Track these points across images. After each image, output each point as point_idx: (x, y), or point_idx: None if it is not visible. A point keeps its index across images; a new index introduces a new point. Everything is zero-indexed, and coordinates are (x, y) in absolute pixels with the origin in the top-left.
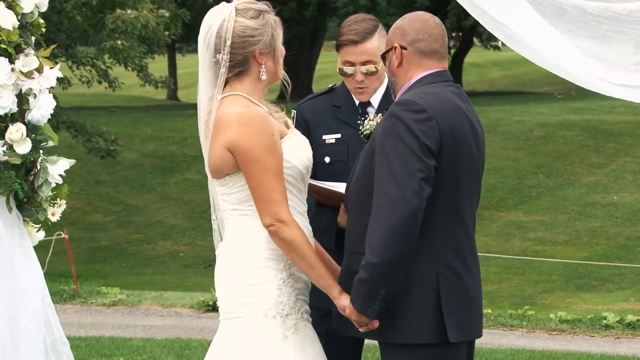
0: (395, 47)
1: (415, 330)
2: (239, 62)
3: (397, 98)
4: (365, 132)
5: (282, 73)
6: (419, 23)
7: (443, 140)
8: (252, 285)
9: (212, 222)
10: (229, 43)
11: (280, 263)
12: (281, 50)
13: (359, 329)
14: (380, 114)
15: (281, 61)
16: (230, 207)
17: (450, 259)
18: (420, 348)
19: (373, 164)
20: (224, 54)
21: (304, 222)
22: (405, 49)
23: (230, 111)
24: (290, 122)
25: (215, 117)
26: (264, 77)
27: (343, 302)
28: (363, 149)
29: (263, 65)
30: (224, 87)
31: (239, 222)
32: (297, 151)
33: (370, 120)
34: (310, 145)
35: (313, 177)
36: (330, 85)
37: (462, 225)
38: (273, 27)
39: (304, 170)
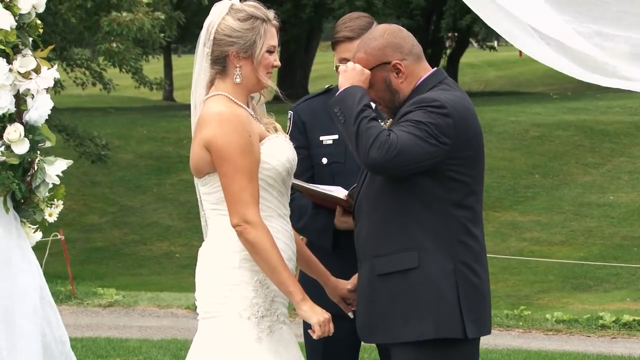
0: (396, 64)
1: (435, 326)
2: (217, 60)
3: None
4: None
5: (265, 82)
6: (401, 32)
7: (459, 135)
8: (228, 286)
9: (201, 217)
10: (211, 38)
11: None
12: (264, 60)
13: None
14: (390, 120)
15: (262, 70)
16: (211, 206)
17: (467, 256)
18: (438, 343)
19: None
20: (206, 47)
21: (284, 225)
22: (405, 59)
23: (212, 110)
24: (279, 127)
25: (199, 116)
26: (237, 81)
27: (304, 312)
28: None
29: (238, 69)
30: (212, 86)
31: (218, 222)
32: (276, 152)
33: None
34: (293, 148)
35: (310, 178)
36: (326, 86)
37: (478, 222)
38: (259, 34)
39: (284, 172)
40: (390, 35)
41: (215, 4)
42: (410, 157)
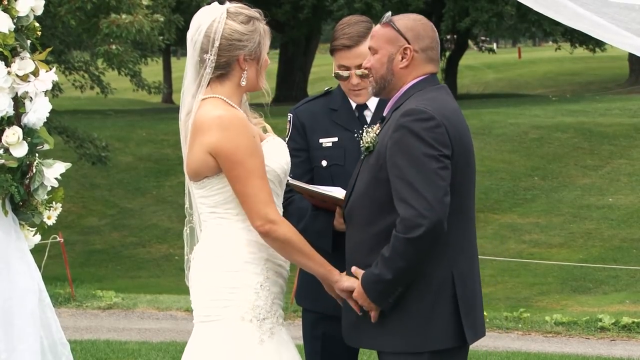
0: (408, 49)
1: (437, 336)
2: (222, 65)
3: (393, 102)
4: (366, 145)
5: (263, 83)
6: (431, 30)
7: (453, 144)
8: (230, 289)
9: (186, 224)
10: (217, 44)
11: (258, 267)
12: (265, 61)
13: (358, 312)
14: (377, 125)
15: (264, 71)
16: (208, 210)
17: (462, 262)
18: (436, 354)
19: (381, 176)
20: (210, 54)
21: None
22: (417, 52)
23: (210, 114)
24: (269, 127)
25: (194, 119)
26: (243, 84)
27: (345, 284)
28: (365, 161)
29: (245, 72)
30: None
31: (217, 225)
32: (275, 155)
33: (368, 132)
34: (288, 150)
35: (310, 180)
36: (326, 89)
37: (471, 225)
38: (261, 35)
39: (282, 174)
40: (421, 25)
41: (201, 9)
42: (439, 199)
